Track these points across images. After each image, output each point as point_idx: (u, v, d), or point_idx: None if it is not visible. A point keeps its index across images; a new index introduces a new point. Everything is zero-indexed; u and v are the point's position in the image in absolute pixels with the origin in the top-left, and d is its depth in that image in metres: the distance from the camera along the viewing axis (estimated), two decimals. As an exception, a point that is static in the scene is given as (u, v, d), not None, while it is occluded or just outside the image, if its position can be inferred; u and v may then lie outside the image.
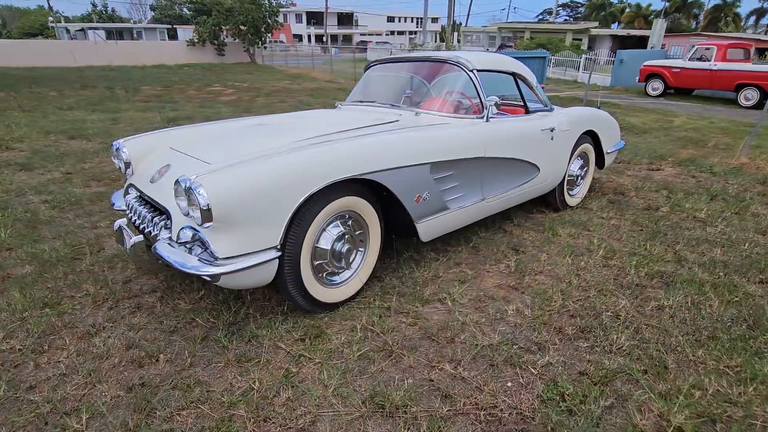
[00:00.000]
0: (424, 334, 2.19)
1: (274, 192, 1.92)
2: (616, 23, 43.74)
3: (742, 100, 11.85)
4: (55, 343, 2.10)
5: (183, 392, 1.80)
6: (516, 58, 12.70)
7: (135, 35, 41.53)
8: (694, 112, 11.18)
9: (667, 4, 38.92)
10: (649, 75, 14.12)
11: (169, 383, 1.84)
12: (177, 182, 1.91)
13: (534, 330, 2.25)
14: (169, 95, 12.59)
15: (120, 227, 2.36)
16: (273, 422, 1.66)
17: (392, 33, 60.87)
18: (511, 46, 28.36)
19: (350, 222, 2.35)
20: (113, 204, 2.79)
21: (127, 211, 2.49)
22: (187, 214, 1.93)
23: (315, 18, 51.64)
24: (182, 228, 2.00)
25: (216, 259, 1.88)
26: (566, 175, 3.76)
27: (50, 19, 41.28)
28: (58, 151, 5.91)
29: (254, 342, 2.10)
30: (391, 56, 3.60)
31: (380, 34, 58.59)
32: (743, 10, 37.02)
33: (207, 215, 1.80)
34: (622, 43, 29.30)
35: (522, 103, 3.46)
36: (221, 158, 2.18)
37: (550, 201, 3.84)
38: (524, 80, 3.45)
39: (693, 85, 13.30)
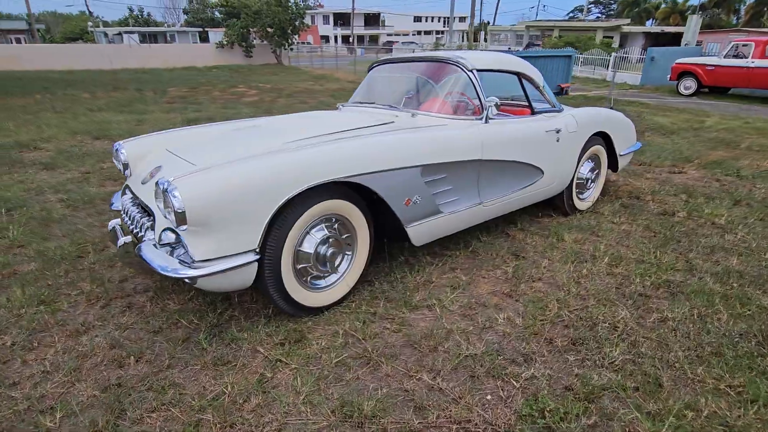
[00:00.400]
0: (406, 342, 2.14)
1: (251, 196, 1.90)
2: (651, 20, 42.22)
3: (782, 99, 11.19)
4: (45, 341, 2.15)
5: (157, 394, 1.80)
6: (541, 57, 12.42)
7: (168, 38, 42.84)
8: (728, 111, 10.65)
9: (706, -1, 37.29)
10: (682, 73, 13.52)
11: (144, 384, 1.85)
12: (156, 184, 1.92)
13: (523, 340, 2.16)
14: (195, 96, 12.89)
15: (114, 228, 2.40)
16: (239, 429, 1.64)
17: (419, 33, 60.65)
18: (538, 45, 27.80)
19: (336, 225, 2.31)
20: (112, 204, 2.85)
21: (122, 212, 2.54)
22: (166, 216, 1.94)
23: (342, 19, 51.98)
24: (164, 230, 2.01)
25: (193, 261, 1.88)
26: (575, 178, 3.62)
27: (89, 23, 43.05)
28: (81, 151, 6.12)
29: (233, 345, 2.09)
30: (393, 57, 3.55)
31: (407, 34, 58.48)
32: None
33: (181, 218, 1.80)
34: (655, 40, 28.22)
35: (527, 104, 3.34)
36: (208, 161, 2.19)
37: (558, 205, 3.70)
38: (530, 80, 3.34)
39: (729, 83, 12.67)
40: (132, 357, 2.01)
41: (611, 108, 4.17)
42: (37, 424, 1.66)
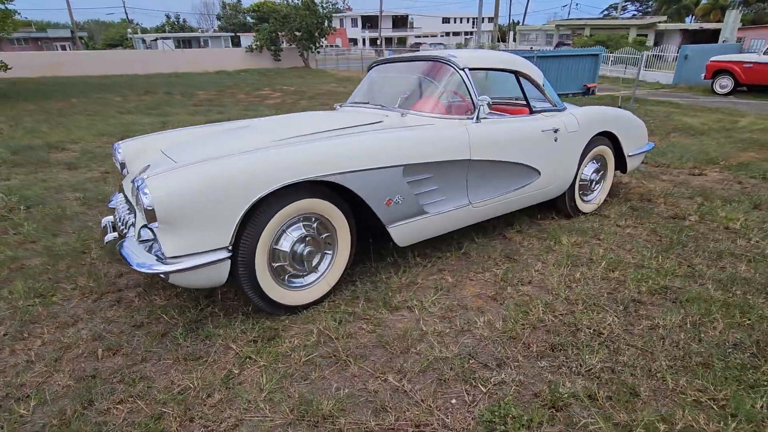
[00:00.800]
0: (379, 343, 2.12)
1: (221, 194, 1.93)
2: (690, 16, 40.50)
3: (827, 98, 10.52)
4: (35, 332, 2.24)
5: (127, 386, 1.85)
6: (566, 56, 12.08)
7: (202, 43, 44.23)
8: (766, 111, 10.10)
9: (750, -7, 35.45)
10: (717, 71, 12.91)
11: (117, 376, 1.91)
12: (132, 182, 1.98)
13: (499, 344, 2.10)
14: (220, 99, 13.23)
15: (105, 224, 2.49)
16: (198, 423, 1.66)
17: (447, 34, 60.30)
18: (568, 44, 27.15)
19: (315, 225, 2.32)
20: (110, 202, 2.95)
21: (115, 210, 2.63)
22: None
23: (370, 22, 52.29)
24: (142, 227, 2.07)
25: (165, 257, 1.92)
26: (577, 180, 3.50)
27: (128, 30, 44.93)
28: (104, 152, 6.38)
29: (208, 341, 2.12)
30: (391, 56, 3.53)
31: (435, 36, 58.24)
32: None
33: (151, 215, 1.84)
34: (693, 38, 27.07)
35: (525, 103, 3.26)
36: (188, 159, 2.24)
37: (560, 207, 3.60)
38: (528, 78, 3.26)
39: (768, 81, 12.01)
40: (111, 350, 2.07)
41: (619, 107, 4.01)
42: (11, 411, 1.73)
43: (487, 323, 2.27)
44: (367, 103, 3.28)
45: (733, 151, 6.14)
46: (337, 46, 44.91)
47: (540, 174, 3.13)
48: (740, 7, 20.97)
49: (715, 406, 1.73)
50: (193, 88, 16.05)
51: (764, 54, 11.94)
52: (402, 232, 2.54)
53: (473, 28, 57.81)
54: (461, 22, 62.96)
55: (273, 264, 2.20)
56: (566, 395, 1.77)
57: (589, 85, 12.98)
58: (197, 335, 2.17)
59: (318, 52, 29.78)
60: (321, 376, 1.91)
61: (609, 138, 3.66)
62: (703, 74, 13.33)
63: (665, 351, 2.04)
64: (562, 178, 3.31)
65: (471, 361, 1.99)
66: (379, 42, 47.11)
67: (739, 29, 25.17)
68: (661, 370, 1.91)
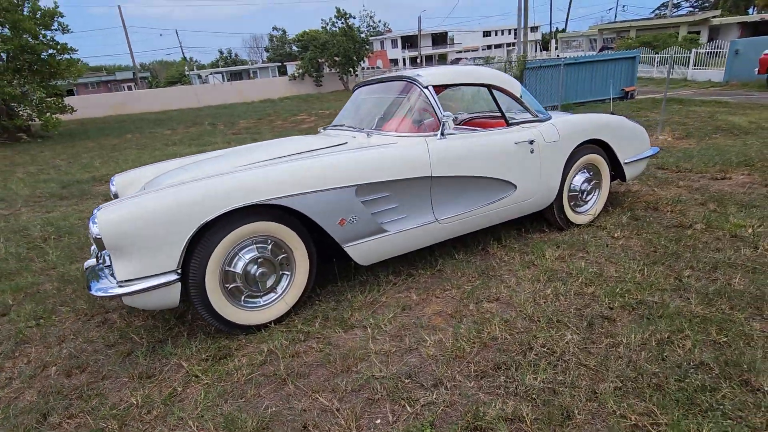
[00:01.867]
0: (323, 362, 2.14)
1: (165, 220, 2.06)
2: (752, 8, 37.70)
3: None
4: (25, 351, 2.47)
5: (83, 402, 2.00)
6: (597, 61, 11.68)
7: (252, 74, 46.80)
8: (829, 104, 9.18)
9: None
10: (773, 65, 11.94)
11: (77, 393, 2.06)
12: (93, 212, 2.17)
13: (442, 363, 2.06)
14: (258, 127, 13.92)
15: (93, 251, 2.72)
16: (130, 438, 1.77)
17: (489, 47, 59.87)
18: (612, 48, 26.11)
19: (270, 246, 2.41)
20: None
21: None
22: (102, 241, 2.17)
23: (410, 41, 53.13)
24: (102, 253, 2.25)
25: (117, 282, 2.08)
26: (566, 191, 3.37)
27: (185, 68, 48.49)
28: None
29: (165, 360, 2.25)
30: (370, 78, 3.61)
31: (476, 50, 57.99)
32: None
33: (99, 243, 2.01)
34: (755, 30, 25.07)
35: (501, 115, 3.22)
36: (156, 188, 2.41)
37: (550, 219, 3.47)
38: (503, 90, 3.21)
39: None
40: (80, 368, 2.25)
41: (612, 113, 3.83)
42: (-22, 424, 1.92)
43: (437, 342, 2.23)
44: (343, 125, 3.37)
45: (777, 151, 5.63)
46: (378, 67, 45.93)
47: (516, 187, 3.06)
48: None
49: (652, 431, 1.60)
50: (237, 118, 16.99)
51: (826, 42, 10.90)
52: (361, 251, 2.57)
53: (515, 38, 57.07)
54: (503, 34, 62.38)
55: (227, 285, 2.31)
56: (492, 417, 1.71)
57: (627, 89, 12.42)
58: (156, 354, 2.30)
59: (357, 75, 30.63)
60: (257, 394, 1.96)
61: (602, 146, 3.51)
62: (756, 69, 12.37)
63: (618, 371, 1.91)
64: (543, 190, 3.20)
65: (407, 381, 1.97)
66: (418, 60, 47.64)
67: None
68: (606, 392, 1.80)
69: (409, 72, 3.10)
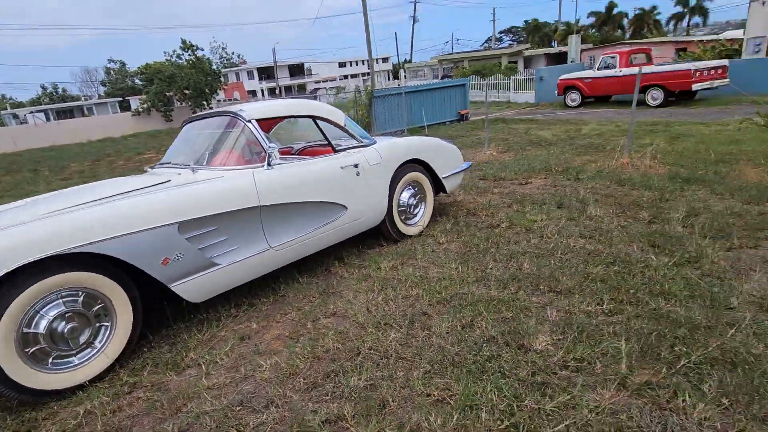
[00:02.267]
0: (149, 410, 2.05)
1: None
2: (555, 42, 46.02)
3: (649, 100, 12.37)
4: None
5: None
6: (437, 89, 13.00)
7: (86, 111, 41.71)
8: (606, 117, 11.58)
9: (594, 19, 41.35)
10: (567, 87, 14.69)
11: None
12: None
13: (276, 384, 2.13)
14: (95, 169, 12.50)
15: None
16: None
17: (346, 77, 62.54)
18: (450, 76, 29.42)
19: (82, 297, 2.23)
20: None
21: None
22: None
23: (266, 72, 52.88)
24: None
25: None
26: (394, 207, 3.74)
27: (-2, 107, 41.22)
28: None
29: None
30: (200, 113, 3.60)
31: (334, 80, 60.11)
32: (662, 17, 39.45)
33: None
34: (557, 59, 30.65)
35: (327, 143, 3.47)
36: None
37: (385, 234, 3.80)
38: (327, 121, 3.47)
39: (606, 92, 13.87)
40: None
41: (427, 135, 4.39)
42: None
43: (273, 365, 2.29)
44: (170, 162, 3.29)
45: (572, 156, 6.92)
46: (236, 99, 44.68)
47: (346, 208, 3.30)
48: (580, 32, 24.16)
49: (451, 401, 1.88)
50: (66, 161, 14.97)
51: (598, 70, 13.81)
52: (191, 289, 2.53)
53: (368, 69, 60.68)
54: (358, 65, 65.84)
55: (26, 349, 2.07)
56: (317, 424, 1.83)
57: (462, 112, 14.09)
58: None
59: (212, 107, 29.43)
60: (68, 460, 1.80)
61: (422, 164, 3.98)
62: (556, 92, 15.09)
63: (429, 357, 2.20)
64: (373, 208, 3.51)
65: (238, 409, 1.99)
66: (277, 91, 47.63)
67: (590, 49, 28.92)
68: (417, 378, 2.05)
69: (233, 107, 3.17)
